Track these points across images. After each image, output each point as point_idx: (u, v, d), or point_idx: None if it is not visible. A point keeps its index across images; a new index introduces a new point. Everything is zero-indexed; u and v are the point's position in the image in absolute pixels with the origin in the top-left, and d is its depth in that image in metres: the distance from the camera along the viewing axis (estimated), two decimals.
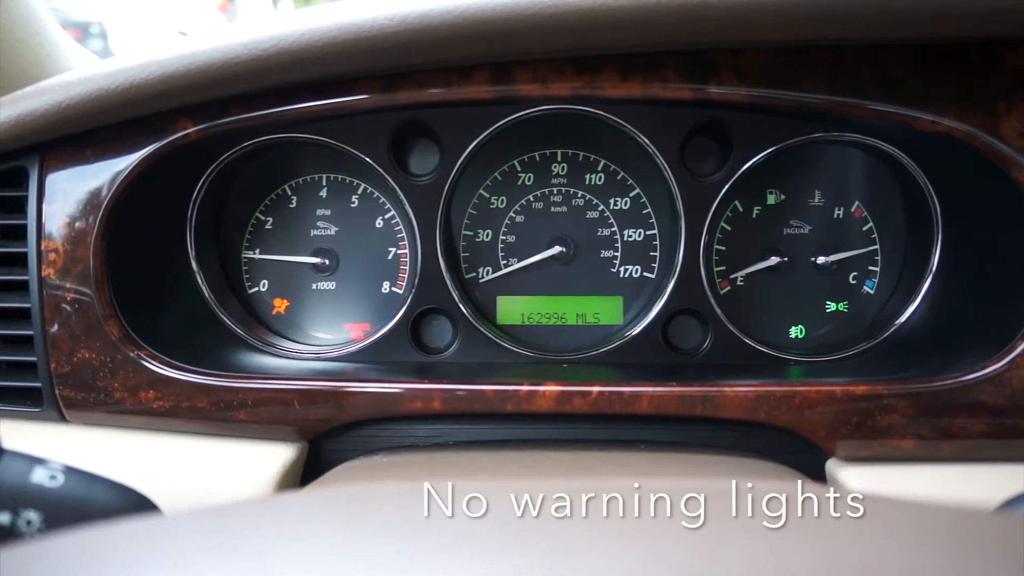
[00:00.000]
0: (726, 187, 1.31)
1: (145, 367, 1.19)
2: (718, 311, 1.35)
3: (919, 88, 1.11)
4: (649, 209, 1.44)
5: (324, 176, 1.46)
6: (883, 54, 1.12)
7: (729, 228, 1.43)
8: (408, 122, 1.32)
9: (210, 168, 1.34)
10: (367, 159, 1.33)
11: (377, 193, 1.46)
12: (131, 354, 1.19)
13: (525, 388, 1.17)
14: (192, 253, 1.38)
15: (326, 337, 1.47)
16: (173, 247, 1.37)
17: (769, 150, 1.30)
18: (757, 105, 1.17)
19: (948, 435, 1.12)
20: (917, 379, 1.13)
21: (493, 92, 1.17)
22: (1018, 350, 1.10)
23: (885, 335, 1.37)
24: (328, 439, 1.23)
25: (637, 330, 1.36)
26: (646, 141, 1.29)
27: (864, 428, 1.12)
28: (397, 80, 1.17)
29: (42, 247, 1.20)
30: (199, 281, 1.39)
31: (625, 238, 1.45)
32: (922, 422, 1.11)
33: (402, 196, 1.34)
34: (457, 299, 1.37)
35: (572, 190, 1.45)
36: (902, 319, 1.36)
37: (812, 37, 1.09)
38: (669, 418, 1.17)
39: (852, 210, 1.43)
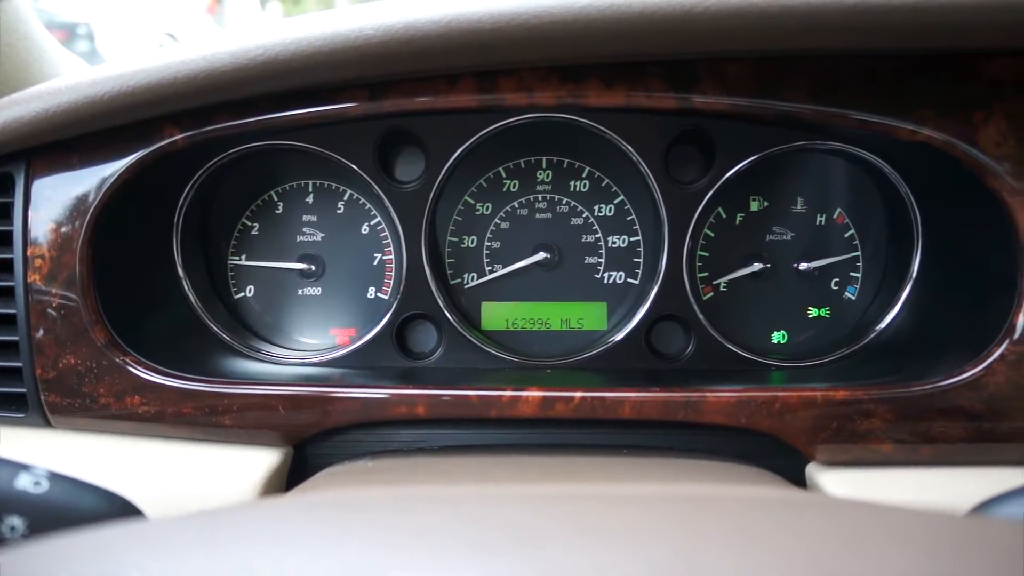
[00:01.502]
0: (709, 194, 1.33)
1: (131, 372, 1.20)
2: (701, 317, 1.36)
3: (899, 98, 1.13)
4: (633, 216, 1.45)
5: (310, 183, 1.47)
6: (864, 64, 1.14)
7: (712, 235, 1.44)
8: (394, 130, 1.33)
9: (196, 175, 1.35)
10: (353, 166, 1.33)
11: (363, 199, 1.46)
12: (117, 360, 1.20)
13: (508, 393, 1.18)
14: (178, 259, 1.38)
15: (312, 342, 1.48)
16: (159, 253, 1.37)
17: (751, 158, 1.31)
18: (740, 114, 1.18)
19: (927, 439, 1.13)
20: (896, 384, 1.15)
21: (478, 101, 1.18)
22: (994, 355, 1.11)
23: (866, 340, 1.38)
24: (313, 444, 1.23)
25: (620, 335, 1.37)
26: (630, 149, 1.31)
27: (844, 433, 1.14)
28: (383, 89, 1.18)
29: (28, 253, 1.20)
30: (185, 287, 1.39)
31: (609, 244, 1.46)
32: (901, 427, 1.13)
33: (388, 203, 1.35)
34: (442, 305, 1.37)
35: (557, 197, 1.46)
36: (883, 325, 1.38)
37: (794, 48, 1.10)
38: (652, 423, 1.19)
39: (834, 217, 1.44)
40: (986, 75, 1.13)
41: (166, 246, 1.37)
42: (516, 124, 1.30)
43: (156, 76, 1.10)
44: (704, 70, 1.15)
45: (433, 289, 1.37)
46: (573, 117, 1.27)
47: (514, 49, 1.08)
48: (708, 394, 1.16)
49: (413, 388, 1.20)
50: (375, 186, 1.34)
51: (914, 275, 1.35)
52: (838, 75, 1.14)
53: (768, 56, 1.15)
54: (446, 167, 1.33)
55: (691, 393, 1.16)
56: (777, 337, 1.46)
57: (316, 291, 1.47)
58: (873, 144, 1.30)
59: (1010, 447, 1.14)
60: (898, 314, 1.37)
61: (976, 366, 1.12)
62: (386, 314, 1.39)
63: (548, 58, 1.14)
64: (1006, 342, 1.11)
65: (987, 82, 1.13)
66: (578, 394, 1.17)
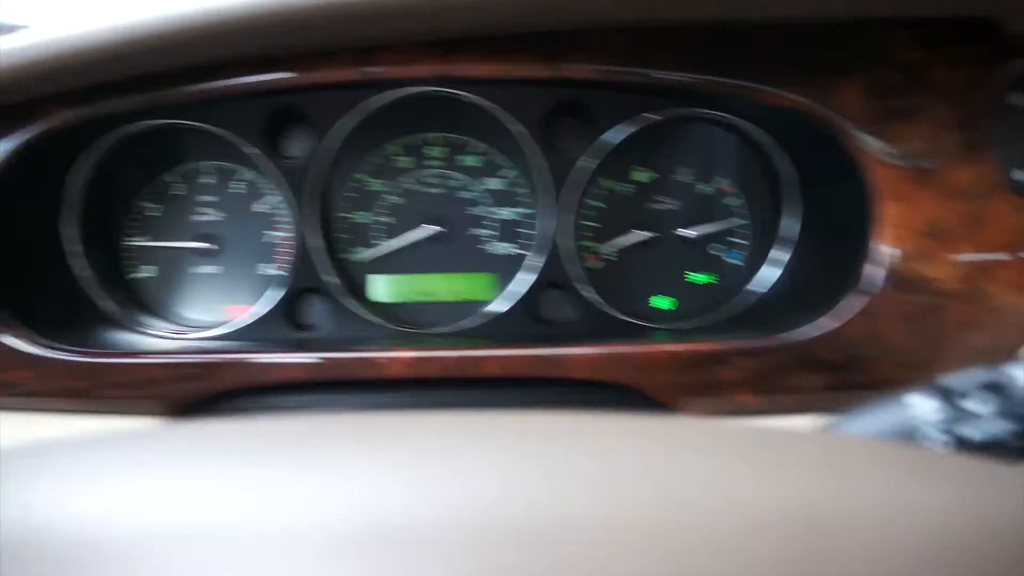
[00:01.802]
0: (592, 165, 1.36)
1: (14, 348, 1.21)
2: (586, 285, 1.40)
3: (765, 63, 1.18)
4: (521, 188, 1.49)
5: (206, 163, 1.48)
6: (730, 32, 1.18)
7: (599, 204, 1.48)
8: (282, 106, 1.35)
9: (88, 154, 1.36)
10: (243, 144, 1.36)
11: (257, 178, 1.48)
12: (1, 336, 1.21)
13: (382, 355, 1.21)
14: (71, 238, 1.39)
15: (208, 319, 1.49)
16: (52, 232, 1.38)
17: (627, 128, 1.35)
18: (612, 83, 1.22)
19: (788, 390, 1.18)
20: (759, 337, 1.20)
21: (358, 74, 1.21)
22: (847, 307, 1.16)
23: (747, 303, 1.43)
24: (198, 412, 1.25)
25: (508, 305, 1.41)
26: (511, 120, 1.34)
27: (708, 385, 1.18)
28: (266, 64, 1.20)
29: None
30: (79, 265, 1.40)
31: (498, 217, 1.49)
32: (763, 378, 1.18)
33: (280, 180, 1.37)
34: (332, 279, 1.40)
35: (448, 171, 1.49)
36: (762, 288, 1.43)
37: (665, 18, 1.14)
38: (520, 380, 1.22)
39: (718, 184, 1.49)
40: (846, 40, 1.18)
41: (58, 225, 1.38)
42: (405, 100, 1.32)
43: (36, 53, 1.11)
44: (577, 40, 1.18)
45: (324, 264, 1.40)
46: (452, 91, 1.30)
47: (388, 22, 1.10)
48: (576, 350, 1.20)
49: (290, 352, 1.23)
50: (266, 163, 1.36)
51: (792, 237, 1.40)
52: (707, 42, 1.18)
53: (642, 27, 1.18)
54: (335, 142, 1.36)
55: (559, 350, 1.20)
56: (666, 303, 1.50)
57: (213, 269, 1.49)
58: (747, 111, 1.35)
59: (871, 395, 1.18)
60: (779, 277, 1.42)
61: (831, 319, 1.17)
62: (278, 289, 1.41)
63: (425, 31, 1.17)
64: (858, 294, 1.16)
65: (847, 47, 1.18)
66: (448, 354, 1.20)
